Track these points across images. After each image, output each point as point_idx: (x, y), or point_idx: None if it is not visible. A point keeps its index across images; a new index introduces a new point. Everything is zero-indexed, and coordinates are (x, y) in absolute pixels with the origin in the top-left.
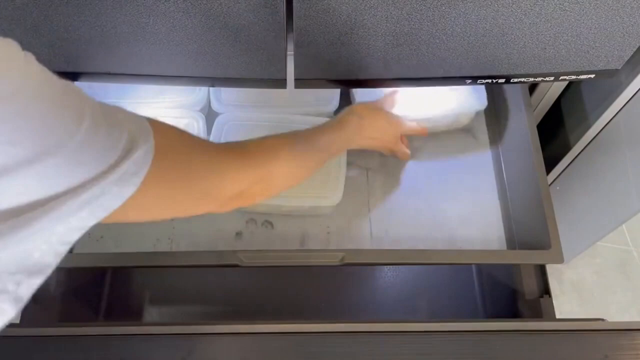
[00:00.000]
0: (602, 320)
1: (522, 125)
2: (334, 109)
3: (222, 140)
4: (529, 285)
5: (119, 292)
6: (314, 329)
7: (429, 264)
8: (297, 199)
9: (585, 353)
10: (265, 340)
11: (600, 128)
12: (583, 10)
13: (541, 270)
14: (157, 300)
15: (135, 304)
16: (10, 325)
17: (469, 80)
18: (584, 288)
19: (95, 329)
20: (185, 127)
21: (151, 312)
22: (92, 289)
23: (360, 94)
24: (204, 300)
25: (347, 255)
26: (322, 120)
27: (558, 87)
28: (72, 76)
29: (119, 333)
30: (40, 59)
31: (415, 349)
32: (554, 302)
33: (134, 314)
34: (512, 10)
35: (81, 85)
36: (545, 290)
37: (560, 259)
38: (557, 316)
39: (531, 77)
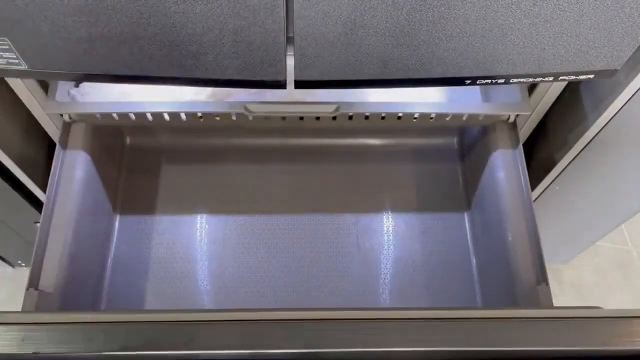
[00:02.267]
0: (599, 308)
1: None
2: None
3: None
4: (526, 273)
5: (120, 281)
6: (314, 316)
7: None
8: None
9: (582, 340)
10: (265, 327)
11: (600, 128)
12: (582, 10)
13: (539, 258)
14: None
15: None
16: (11, 312)
17: (469, 81)
18: (584, 288)
19: (97, 315)
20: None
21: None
22: (94, 275)
23: None
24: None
25: (342, 106)
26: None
27: (557, 87)
28: (72, 77)
29: (121, 320)
30: (41, 60)
31: (411, 336)
32: (553, 302)
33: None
34: (511, 11)
35: (82, 85)
36: (543, 278)
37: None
38: None
39: (530, 77)
